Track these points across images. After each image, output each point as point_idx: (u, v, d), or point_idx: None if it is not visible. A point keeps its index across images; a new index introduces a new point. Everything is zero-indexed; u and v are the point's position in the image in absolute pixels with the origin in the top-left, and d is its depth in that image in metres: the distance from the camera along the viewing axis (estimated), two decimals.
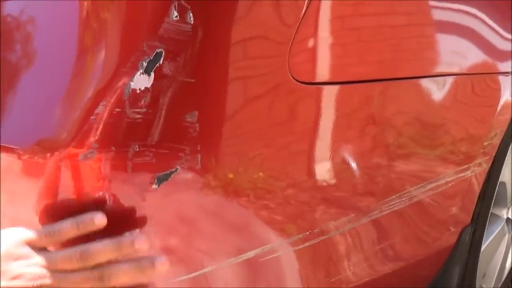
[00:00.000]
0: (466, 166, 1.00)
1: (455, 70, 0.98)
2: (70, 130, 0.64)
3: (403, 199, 0.89)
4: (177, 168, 0.65)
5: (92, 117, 0.63)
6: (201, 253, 0.71)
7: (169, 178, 0.65)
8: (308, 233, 0.79)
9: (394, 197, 0.89)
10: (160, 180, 0.65)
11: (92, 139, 0.63)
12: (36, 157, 0.67)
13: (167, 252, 0.68)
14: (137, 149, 0.63)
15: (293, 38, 0.69)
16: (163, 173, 0.65)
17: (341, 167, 0.79)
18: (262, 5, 0.67)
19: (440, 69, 0.95)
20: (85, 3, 0.67)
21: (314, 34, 0.71)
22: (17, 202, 0.76)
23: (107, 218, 0.63)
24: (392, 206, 0.88)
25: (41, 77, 0.67)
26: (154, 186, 0.65)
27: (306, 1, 0.70)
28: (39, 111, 0.65)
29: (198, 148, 0.65)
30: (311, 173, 0.76)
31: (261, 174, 0.72)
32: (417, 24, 0.89)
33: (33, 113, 0.65)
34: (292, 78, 0.70)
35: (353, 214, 0.84)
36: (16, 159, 0.70)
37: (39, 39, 0.71)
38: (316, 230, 0.80)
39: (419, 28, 0.89)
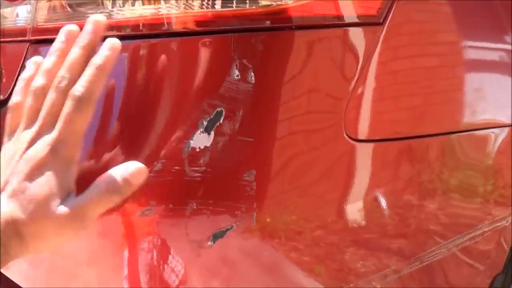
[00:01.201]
0: (504, 215, 1.00)
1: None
2: None
3: (442, 249, 0.89)
4: (233, 226, 0.65)
5: (150, 174, 0.63)
6: None
7: (225, 235, 0.65)
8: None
9: (436, 247, 0.88)
10: (216, 237, 0.65)
11: (150, 197, 0.63)
12: None
13: None
14: (195, 207, 0.63)
15: (350, 94, 0.69)
16: (219, 230, 0.65)
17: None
18: (321, 65, 0.67)
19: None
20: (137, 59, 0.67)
21: (370, 89, 0.71)
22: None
23: (160, 274, 0.63)
24: (434, 256, 0.88)
25: (97, 131, 0.67)
26: (210, 243, 0.65)
27: (362, 59, 0.70)
28: (96, 167, 0.65)
29: (254, 206, 0.65)
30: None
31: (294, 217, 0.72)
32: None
33: (91, 170, 0.65)
34: (345, 135, 0.70)
35: (394, 267, 0.83)
36: None
37: None
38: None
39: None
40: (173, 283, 0.66)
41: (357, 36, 0.69)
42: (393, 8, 0.73)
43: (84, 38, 0.59)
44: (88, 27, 0.59)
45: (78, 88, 0.56)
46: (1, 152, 0.60)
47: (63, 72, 0.58)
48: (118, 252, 0.68)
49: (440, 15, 0.83)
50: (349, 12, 0.69)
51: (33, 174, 0.56)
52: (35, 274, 0.83)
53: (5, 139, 0.60)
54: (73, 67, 0.58)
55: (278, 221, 0.69)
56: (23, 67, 0.79)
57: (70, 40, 0.60)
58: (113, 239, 0.68)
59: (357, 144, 0.71)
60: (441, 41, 0.82)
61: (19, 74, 0.78)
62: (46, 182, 0.55)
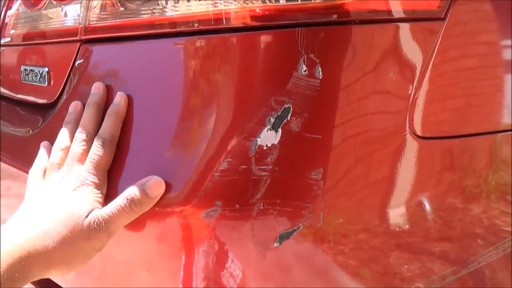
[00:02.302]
0: None
1: None
2: (192, 187, 0.62)
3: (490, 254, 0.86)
4: (300, 226, 0.63)
5: (216, 174, 0.61)
6: None
7: (291, 236, 0.63)
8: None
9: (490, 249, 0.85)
10: (282, 238, 0.62)
11: (215, 197, 0.61)
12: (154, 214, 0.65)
13: None
14: (262, 207, 0.61)
15: (414, 93, 0.67)
16: (286, 231, 0.62)
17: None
18: (388, 60, 0.65)
19: None
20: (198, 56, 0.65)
21: (434, 87, 0.69)
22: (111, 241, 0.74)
23: (225, 276, 0.61)
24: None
25: (162, 131, 0.65)
26: (276, 245, 0.62)
27: (423, 58, 0.68)
28: (160, 167, 0.63)
29: (321, 206, 0.63)
30: None
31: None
32: None
33: (155, 169, 0.63)
34: (411, 132, 0.67)
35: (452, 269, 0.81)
36: None
37: (145, 87, 0.69)
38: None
39: None
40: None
41: (419, 31, 0.67)
42: (454, 5, 0.70)
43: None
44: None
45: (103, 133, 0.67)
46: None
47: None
48: (176, 256, 0.66)
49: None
50: (409, 6, 0.67)
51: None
52: (82, 282, 0.81)
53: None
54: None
55: (329, 224, 0.67)
56: (73, 68, 0.77)
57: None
58: (172, 243, 0.66)
59: (421, 142, 0.69)
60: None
61: (69, 76, 0.77)
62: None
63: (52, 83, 0.83)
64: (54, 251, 0.60)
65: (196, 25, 0.65)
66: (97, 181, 0.64)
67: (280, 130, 0.61)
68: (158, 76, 0.67)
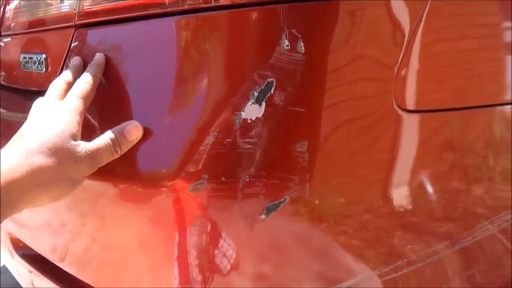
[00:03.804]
0: None
1: None
2: (179, 161, 0.63)
3: (489, 227, 0.86)
4: (286, 198, 0.64)
5: (202, 148, 0.62)
6: (290, 281, 0.69)
7: (278, 208, 0.64)
8: (398, 263, 0.77)
9: (480, 225, 0.86)
10: (269, 210, 0.64)
11: (202, 170, 0.62)
12: (141, 185, 0.67)
13: (259, 278, 0.67)
14: (248, 180, 0.62)
15: (399, 66, 0.68)
16: (273, 203, 0.64)
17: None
18: (372, 34, 0.66)
19: None
20: (185, 34, 0.66)
21: (420, 60, 0.70)
22: (108, 227, 0.76)
23: (211, 247, 0.63)
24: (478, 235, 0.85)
25: (148, 108, 0.67)
26: (263, 217, 0.64)
27: (408, 31, 0.68)
28: (148, 142, 0.65)
29: (307, 178, 0.64)
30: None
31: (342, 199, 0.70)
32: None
33: (143, 144, 0.65)
34: (395, 105, 0.68)
35: (441, 244, 0.81)
36: (113, 186, 0.70)
37: (136, 67, 0.71)
38: (405, 261, 0.78)
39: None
40: (225, 268, 0.66)
41: (402, 5, 0.68)
42: None
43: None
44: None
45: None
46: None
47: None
48: (168, 233, 0.67)
49: None
50: None
51: None
52: (84, 275, 0.84)
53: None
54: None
55: (327, 203, 0.68)
56: (69, 53, 0.79)
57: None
58: (164, 220, 0.68)
59: (406, 115, 0.70)
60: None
61: (65, 61, 0.79)
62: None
63: (49, 69, 0.85)
64: (42, 168, 0.62)
65: (184, 4, 0.67)
66: (78, 109, 0.68)
67: (263, 103, 0.62)
68: (146, 56, 0.69)
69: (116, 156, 0.67)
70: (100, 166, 0.66)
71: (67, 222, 0.85)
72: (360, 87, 0.65)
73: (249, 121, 0.62)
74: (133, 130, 0.66)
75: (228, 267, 0.65)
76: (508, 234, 0.88)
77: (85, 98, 0.69)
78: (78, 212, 0.80)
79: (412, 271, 0.77)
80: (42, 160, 0.62)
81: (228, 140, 0.62)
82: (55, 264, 0.91)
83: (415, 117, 0.71)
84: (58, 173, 0.63)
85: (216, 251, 0.65)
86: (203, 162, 0.62)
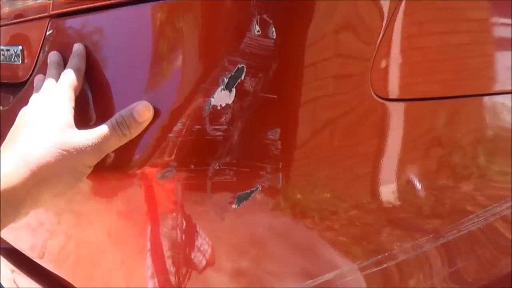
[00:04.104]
0: None
1: None
2: (147, 147, 0.62)
3: (475, 221, 0.84)
4: (258, 187, 0.62)
5: (170, 135, 0.61)
6: (270, 276, 0.68)
7: (250, 198, 0.62)
8: (379, 257, 0.75)
9: (465, 219, 0.84)
10: (240, 200, 0.62)
11: (170, 157, 0.61)
12: (109, 177, 0.65)
13: (237, 274, 0.66)
14: (217, 168, 0.61)
15: (375, 55, 0.66)
16: (244, 192, 0.62)
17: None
18: (348, 21, 0.64)
19: None
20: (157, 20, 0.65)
21: (396, 48, 0.68)
22: (84, 224, 0.75)
23: (183, 239, 0.61)
24: (463, 229, 0.83)
25: (118, 94, 0.65)
26: (234, 206, 0.62)
27: (386, 17, 0.67)
28: None
29: (280, 166, 0.63)
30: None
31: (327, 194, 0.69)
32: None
33: None
34: (374, 94, 0.67)
35: (423, 238, 0.79)
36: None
37: (109, 54, 0.70)
38: (386, 254, 0.76)
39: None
40: (200, 263, 0.64)
41: None
42: None
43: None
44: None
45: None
46: None
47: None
48: (140, 226, 0.66)
49: None
50: None
51: None
52: (60, 273, 0.82)
53: None
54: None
55: (310, 199, 0.66)
56: (44, 42, 0.79)
57: None
58: (134, 211, 0.66)
59: (386, 104, 0.68)
60: None
61: (40, 52, 0.78)
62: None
63: (26, 61, 0.84)
64: (40, 165, 0.59)
65: None
66: (70, 98, 0.65)
67: (234, 90, 0.61)
68: (118, 44, 0.68)
69: (125, 140, 0.62)
70: (108, 152, 0.63)
71: (44, 221, 0.83)
72: (336, 68, 0.63)
73: (218, 108, 0.61)
74: (143, 111, 0.61)
75: (203, 260, 0.64)
76: (493, 230, 0.87)
77: (74, 88, 0.66)
78: (54, 210, 0.79)
79: (394, 265, 0.75)
80: (39, 157, 0.59)
81: (197, 127, 0.61)
82: (37, 263, 0.90)
83: (391, 106, 0.69)
84: (59, 167, 0.60)
85: (188, 242, 0.63)
86: (172, 150, 0.61)
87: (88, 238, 0.75)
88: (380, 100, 0.67)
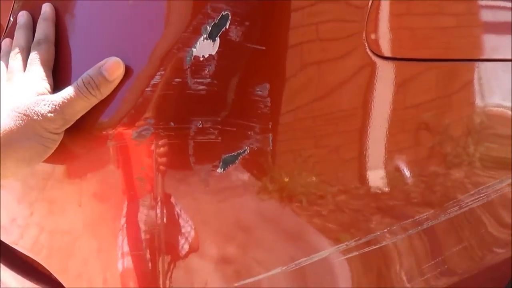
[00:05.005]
0: None
1: None
2: (121, 104, 0.55)
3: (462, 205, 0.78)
4: (246, 149, 0.56)
5: (147, 89, 0.55)
6: (254, 260, 0.61)
7: (237, 161, 0.56)
8: (361, 241, 0.69)
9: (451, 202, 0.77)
10: (226, 163, 0.56)
11: (147, 114, 0.54)
12: (81, 142, 0.59)
13: (223, 258, 0.59)
14: (200, 126, 0.55)
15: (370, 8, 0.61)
16: (230, 154, 0.56)
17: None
18: None
19: None
20: None
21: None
22: (57, 212, 0.68)
23: (161, 206, 0.55)
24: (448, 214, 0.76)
25: (90, 46, 0.59)
26: (219, 170, 0.56)
27: None
28: None
29: (270, 127, 0.56)
30: None
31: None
32: None
33: None
34: (368, 49, 0.61)
35: (407, 221, 0.73)
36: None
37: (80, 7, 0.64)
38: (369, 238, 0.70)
39: None
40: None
41: None
42: None
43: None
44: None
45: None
46: None
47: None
48: (114, 196, 0.59)
49: None
50: None
51: None
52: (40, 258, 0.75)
53: None
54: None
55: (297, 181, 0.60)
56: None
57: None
58: (107, 179, 0.60)
59: (379, 61, 0.62)
60: None
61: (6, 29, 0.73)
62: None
63: None
64: (3, 129, 0.56)
65: None
66: (43, 75, 0.60)
67: (218, 39, 0.55)
68: None
69: (95, 101, 0.57)
70: (78, 115, 0.57)
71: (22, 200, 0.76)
72: (330, 25, 0.58)
73: (201, 59, 0.55)
74: (113, 67, 0.55)
75: (184, 230, 0.57)
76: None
77: (47, 60, 0.61)
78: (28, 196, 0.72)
79: (377, 248, 0.69)
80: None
81: (177, 80, 0.55)
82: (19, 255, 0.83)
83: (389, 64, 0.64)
84: (19, 131, 0.56)
85: (168, 209, 0.56)
86: (149, 106, 0.55)
87: (63, 228, 0.68)
88: (375, 57, 0.61)
